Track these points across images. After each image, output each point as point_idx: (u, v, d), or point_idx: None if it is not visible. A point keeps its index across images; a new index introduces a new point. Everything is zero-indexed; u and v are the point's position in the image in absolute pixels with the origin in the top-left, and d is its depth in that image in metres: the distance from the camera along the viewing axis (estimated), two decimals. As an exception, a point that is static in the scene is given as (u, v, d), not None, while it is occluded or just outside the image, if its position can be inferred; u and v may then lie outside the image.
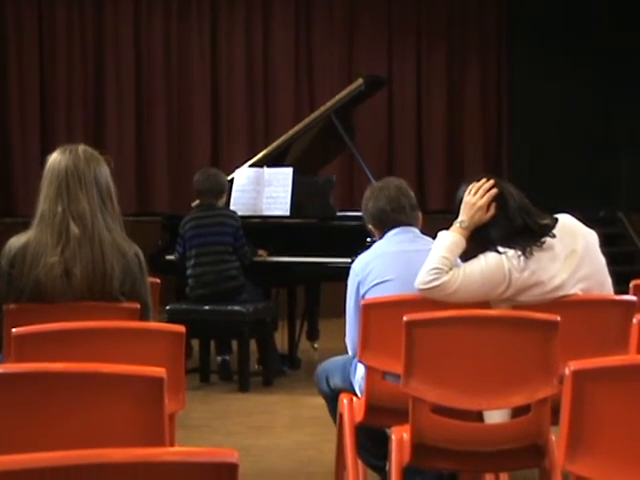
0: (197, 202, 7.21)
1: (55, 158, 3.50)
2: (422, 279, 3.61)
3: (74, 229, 3.40)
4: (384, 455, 3.97)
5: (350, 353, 3.94)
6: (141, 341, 2.99)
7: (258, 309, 6.73)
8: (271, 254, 6.95)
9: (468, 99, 11.80)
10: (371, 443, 4.08)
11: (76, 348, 2.89)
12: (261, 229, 7.01)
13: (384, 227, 4.02)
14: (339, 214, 7.27)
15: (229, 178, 7.21)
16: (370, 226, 4.09)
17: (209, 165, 10.10)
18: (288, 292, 7.50)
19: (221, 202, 6.85)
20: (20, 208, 10.02)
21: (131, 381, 2.24)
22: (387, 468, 3.55)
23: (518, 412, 3.38)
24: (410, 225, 4.03)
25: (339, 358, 4.31)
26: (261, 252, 6.88)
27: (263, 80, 11.23)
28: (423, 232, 4.08)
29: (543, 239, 3.64)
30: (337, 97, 7.44)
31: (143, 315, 3.47)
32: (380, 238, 4.07)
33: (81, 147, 3.53)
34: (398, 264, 3.88)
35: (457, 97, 11.81)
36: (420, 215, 4.11)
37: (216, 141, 11.15)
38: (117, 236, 3.47)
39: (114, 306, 3.42)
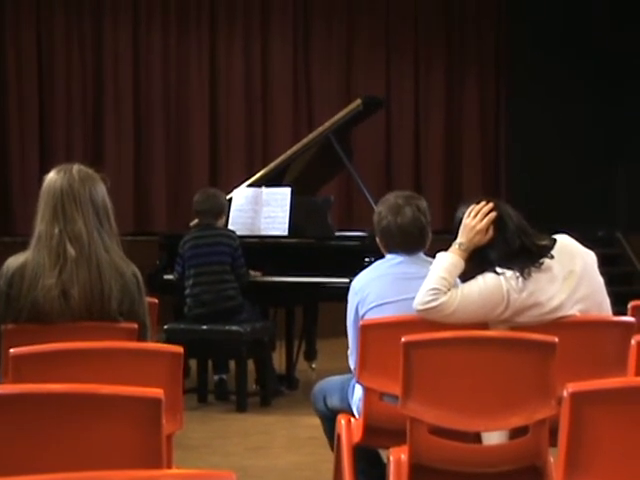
0: (196, 221, 7.23)
1: (51, 179, 3.50)
2: (420, 299, 3.61)
3: (71, 251, 3.40)
4: (378, 476, 3.97)
5: (352, 367, 3.93)
6: (139, 361, 2.99)
7: (256, 329, 6.73)
8: (267, 274, 6.94)
9: (466, 118, 11.83)
10: (365, 464, 4.06)
11: (74, 368, 2.88)
12: (259, 249, 7.01)
13: (389, 248, 4.01)
14: (337, 234, 7.29)
15: (227, 197, 7.21)
16: (377, 239, 4.07)
17: (207, 184, 10.12)
18: (286, 312, 7.49)
19: (220, 222, 6.86)
20: (19, 227, 10.01)
21: (129, 402, 2.24)
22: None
23: (516, 433, 3.37)
24: (416, 251, 4.00)
25: (337, 378, 4.30)
26: (254, 273, 6.88)
27: (261, 100, 11.26)
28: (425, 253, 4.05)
29: (541, 260, 3.65)
30: (335, 117, 7.46)
31: (141, 335, 3.47)
32: (385, 253, 4.04)
33: (76, 167, 3.52)
34: (397, 287, 3.86)
35: (455, 116, 11.83)
36: (430, 236, 4.06)
37: (214, 161, 11.16)
38: (115, 256, 3.47)
39: (112, 326, 3.42)
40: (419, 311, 3.61)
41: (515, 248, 3.66)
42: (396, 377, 3.28)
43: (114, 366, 2.92)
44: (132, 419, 2.21)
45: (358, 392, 3.91)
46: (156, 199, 10.92)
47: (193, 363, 7.04)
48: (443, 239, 3.99)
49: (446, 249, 3.74)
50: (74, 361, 2.92)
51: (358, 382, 3.77)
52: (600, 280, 3.77)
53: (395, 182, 11.20)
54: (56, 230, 3.43)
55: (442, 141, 11.78)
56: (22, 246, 3.53)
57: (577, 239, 3.83)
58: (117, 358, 2.98)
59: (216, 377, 7.09)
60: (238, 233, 6.87)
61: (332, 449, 4.13)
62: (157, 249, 7.50)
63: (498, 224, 3.71)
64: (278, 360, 7.32)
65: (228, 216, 7.11)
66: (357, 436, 3.79)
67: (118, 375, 2.81)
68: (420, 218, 3.96)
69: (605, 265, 3.95)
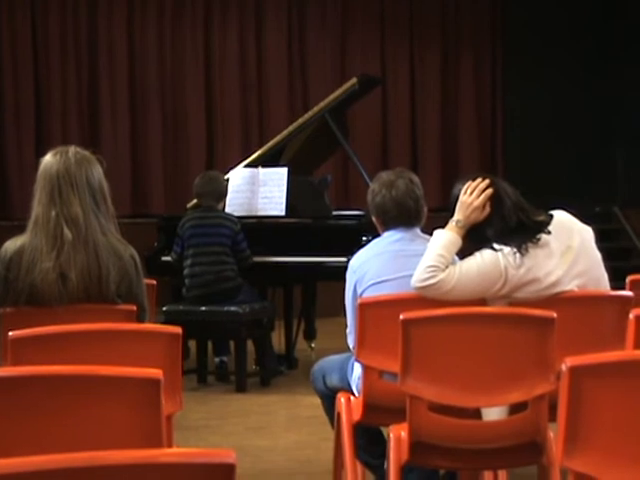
0: (193, 202, 7.22)
1: (47, 162, 3.49)
2: (418, 277, 3.61)
3: (67, 234, 3.40)
4: (380, 454, 3.98)
5: (350, 346, 3.93)
6: (138, 343, 2.99)
7: (255, 309, 6.74)
8: (265, 254, 6.93)
9: (462, 97, 11.81)
10: (367, 442, 4.07)
11: (73, 351, 2.88)
12: (257, 229, 7.00)
13: (386, 225, 4.00)
14: (334, 213, 7.29)
15: (225, 179, 7.21)
16: (373, 218, 4.07)
17: (204, 166, 10.13)
18: (284, 292, 7.50)
19: (221, 205, 6.87)
20: (16, 211, 10.01)
21: (128, 383, 2.24)
22: (385, 467, 3.55)
23: (516, 409, 3.38)
24: (413, 226, 4.00)
25: (336, 357, 4.31)
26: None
27: (257, 81, 11.24)
28: (422, 230, 4.06)
29: (538, 236, 3.64)
30: (331, 97, 7.45)
31: (139, 317, 3.47)
32: (382, 232, 4.04)
33: (72, 149, 3.52)
34: (395, 265, 3.86)
35: (451, 95, 11.81)
36: (426, 211, 4.07)
37: (211, 142, 11.16)
38: (112, 238, 3.47)
39: (110, 308, 3.42)
40: (417, 288, 3.62)
41: (512, 224, 3.65)
42: (395, 355, 3.28)
43: (113, 348, 2.92)
44: (131, 400, 2.21)
45: (357, 370, 3.91)
46: (153, 181, 10.92)
47: (193, 345, 7.05)
48: (440, 217, 3.99)
49: (443, 227, 3.74)
50: (73, 343, 2.93)
51: (357, 360, 3.78)
52: (598, 255, 3.77)
53: (391, 161, 11.20)
54: (53, 213, 3.42)
55: (438, 119, 11.76)
56: (19, 230, 3.53)
57: (574, 215, 3.83)
58: (116, 340, 2.98)
59: (217, 359, 7.10)
60: (235, 214, 6.88)
61: (332, 428, 4.14)
62: (155, 231, 7.50)
63: (495, 200, 3.70)
64: (277, 340, 7.33)
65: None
66: (357, 414, 3.80)
67: (117, 357, 2.81)
68: (414, 189, 3.98)
69: (602, 240, 3.95)
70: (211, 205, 6.78)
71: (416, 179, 4.03)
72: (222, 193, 6.87)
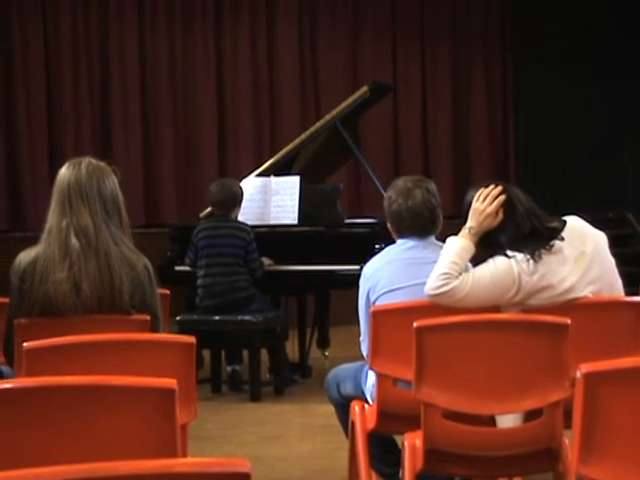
0: (206, 212, 7.22)
1: (61, 174, 3.53)
2: (432, 284, 3.61)
3: (75, 243, 3.41)
4: (394, 462, 3.97)
5: (364, 354, 3.93)
6: (152, 353, 3.00)
7: (268, 318, 6.74)
8: (278, 263, 6.94)
9: (474, 103, 11.80)
10: (381, 450, 4.07)
11: (87, 361, 2.89)
12: (269, 238, 7.00)
13: (400, 233, 4.00)
14: (347, 221, 7.29)
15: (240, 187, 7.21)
16: (388, 225, 4.07)
17: (216, 175, 10.12)
18: (298, 301, 7.49)
19: (235, 213, 6.84)
20: (29, 222, 10.03)
21: (143, 393, 2.24)
22: (400, 475, 3.54)
23: (530, 416, 3.37)
24: (428, 235, 3.99)
25: (350, 365, 4.30)
26: (267, 261, 6.87)
27: (269, 89, 11.24)
28: (435, 237, 4.05)
29: (552, 242, 3.64)
30: (343, 105, 7.45)
31: (153, 327, 3.48)
32: (396, 238, 4.04)
33: (86, 160, 3.54)
34: (408, 272, 3.86)
35: (463, 101, 11.81)
36: (442, 219, 4.06)
37: (223, 151, 11.16)
38: (124, 248, 3.47)
39: (124, 318, 3.42)
40: (431, 296, 3.61)
41: (525, 231, 3.65)
42: (409, 362, 3.28)
43: (127, 358, 2.93)
44: (146, 410, 2.21)
45: (371, 378, 3.91)
46: (165, 191, 10.92)
47: (206, 354, 7.06)
48: (453, 224, 3.99)
49: (456, 234, 3.74)
50: (87, 354, 2.93)
51: (371, 368, 3.78)
52: (611, 261, 3.76)
53: (404, 168, 11.20)
54: (63, 223, 3.45)
55: (450, 126, 11.76)
56: (33, 241, 3.55)
57: (587, 221, 3.82)
58: (130, 350, 2.99)
59: (229, 368, 7.10)
60: (248, 223, 6.87)
61: (347, 436, 4.13)
62: (168, 241, 7.51)
63: (507, 207, 3.70)
64: (291, 349, 7.32)
65: (239, 206, 7.12)
66: (371, 422, 3.80)
67: (131, 367, 2.81)
68: (430, 200, 3.96)
69: (616, 246, 3.94)
70: (224, 214, 6.78)
71: (433, 188, 4.02)
72: (236, 201, 6.84)
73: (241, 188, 6.96)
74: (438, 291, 3.59)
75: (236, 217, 6.90)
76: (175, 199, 10.91)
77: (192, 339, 3.01)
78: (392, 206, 3.98)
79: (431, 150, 11.75)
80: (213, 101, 11.05)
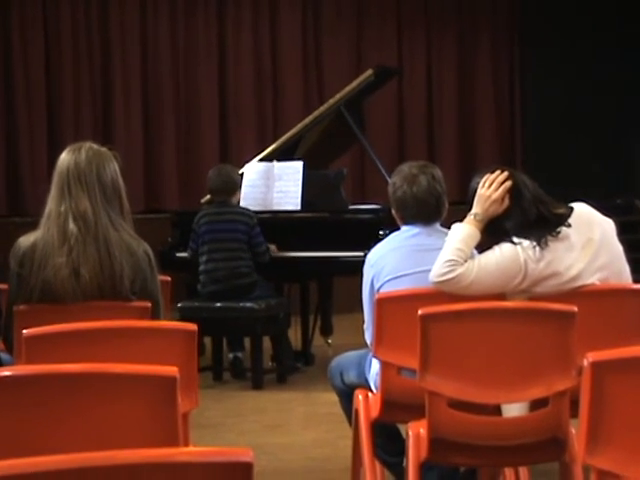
0: (207, 198, 7.22)
1: (61, 159, 3.54)
2: (437, 271, 3.61)
3: (73, 228, 3.41)
4: (398, 451, 3.97)
5: (368, 341, 3.93)
6: (153, 340, 3.00)
7: (271, 305, 6.74)
8: (281, 249, 6.94)
9: (480, 87, 11.77)
10: (385, 439, 4.07)
11: (87, 348, 2.89)
12: (272, 224, 7.00)
13: (405, 220, 3.99)
14: (351, 207, 7.28)
15: (239, 173, 7.21)
16: (393, 211, 4.06)
17: (218, 160, 10.11)
18: (300, 288, 7.50)
19: (235, 199, 6.86)
20: (29, 207, 10.03)
21: (144, 381, 2.24)
22: (404, 465, 3.55)
23: (536, 405, 3.37)
24: (432, 222, 3.98)
25: (353, 353, 4.31)
26: (272, 247, 6.88)
27: (271, 73, 11.22)
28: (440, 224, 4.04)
29: (558, 229, 3.64)
30: (347, 89, 7.44)
31: (154, 314, 3.48)
32: (401, 225, 4.03)
33: (86, 145, 3.54)
34: (413, 259, 3.86)
35: (468, 85, 11.78)
36: (447, 206, 4.05)
37: (225, 136, 11.14)
38: (125, 234, 3.48)
39: (125, 305, 3.43)
40: (436, 283, 3.61)
41: (531, 217, 3.65)
42: (413, 351, 3.28)
43: (128, 345, 2.93)
44: (147, 398, 2.21)
45: (375, 367, 3.91)
46: (167, 176, 10.91)
47: (208, 341, 7.05)
48: (458, 210, 3.98)
49: (461, 220, 3.73)
50: (87, 341, 2.93)
51: (375, 357, 3.78)
52: (619, 248, 3.76)
53: (408, 153, 11.18)
54: (62, 208, 3.45)
55: (455, 111, 11.73)
56: (32, 226, 3.55)
57: (595, 207, 3.82)
58: (131, 337, 2.99)
59: (231, 355, 7.10)
60: (250, 209, 6.86)
61: (350, 425, 4.14)
62: (169, 226, 7.51)
63: (514, 193, 3.69)
64: (294, 336, 7.33)
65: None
66: (375, 411, 3.80)
67: (132, 354, 2.82)
68: (436, 186, 3.95)
69: (624, 233, 3.93)
70: (225, 200, 6.78)
71: (439, 174, 4.00)
72: (235, 187, 6.85)
73: (239, 174, 6.96)
74: (443, 278, 3.59)
75: (237, 202, 6.90)
76: (176, 185, 10.90)
77: (193, 326, 3.01)
78: (397, 192, 3.97)
79: (436, 136, 11.73)
80: (215, 86, 11.03)
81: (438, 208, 3.97)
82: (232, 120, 11.14)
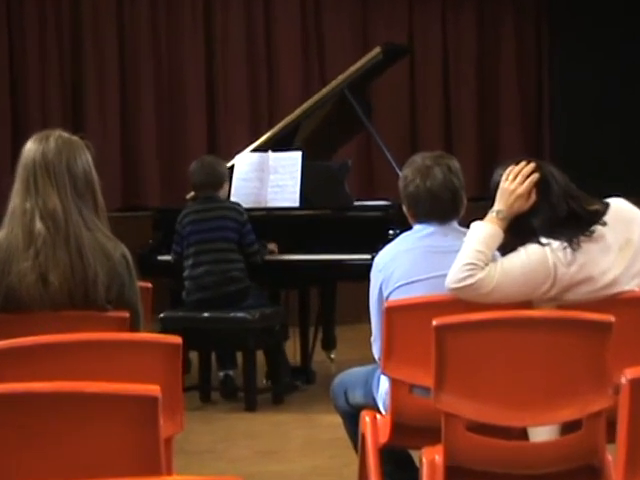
0: (192, 194, 7.23)
1: (26, 148, 3.53)
2: (454, 276, 3.61)
3: (40, 228, 3.41)
4: (409, 481, 3.99)
5: (376, 356, 3.94)
6: (132, 355, 3.00)
7: (265, 315, 6.74)
8: (279, 251, 6.95)
9: (503, 68, 11.75)
10: (395, 467, 4.08)
11: (58, 364, 2.89)
12: (266, 223, 7.01)
13: (418, 217, 4.00)
14: (356, 204, 7.28)
15: (229, 165, 7.21)
16: (404, 208, 4.07)
17: (205, 151, 10.11)
18: (299, 295, 7.50)
19: (222, 193, 6.86)
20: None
21: (121, 401, 2.24)
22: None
23: (568, 428, 3.37)
24: (449, 220, 3.99)
25: (359, 369, 4.32)
26: (272, 247, 6.88)
27: (265, 52, 11.19)
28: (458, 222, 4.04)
29: (592, 228, 3.64)
30: (351, 69, 7.44)
31: (133, 325, 3.48)
32: (413, 224, 4.04)
33: (56, 134, 3.54)
34: (427, 262, 3.86)
35: (490, 66, 11.76)
36: (465, 202, 4.05)
37: (213, 123, 11.13)
38: (100, 235, 3.47)
39: (99, 315, 3.42)
40: (453, 290, 3.61)
41: (561, 214, 3.65)
42: (427, 366, 3.28)
43: (103, 361, 2.93)
44: (126, 420, 2.22)
45: (384, 385, 3.92)
46: (147, 169, 10.90)
47: (194, 357, 7.06)
48: (478, 207, 3.99)
49: (482, 218, 3.73)
50: (57, 356, 2.94)
51: (384, 373, 3.79)
52: (662, 250, 3.76)
53: (422, 142, 11.19)
54: (28, 205, 3.45)
55: (475, 95, 11.72)
56: (-5, 224, 3.55)
57: (635, 203, 3.82)
58: (106, 351, 3.00)
59: (221, 373, 7.11)
60: (244, 206, 6.87)
61: (356, 451, 4.14)
62: (150, 226, 7.52)
63: (541, 187, 3.70)
64: (292, 351, 7.34)
65: (230, 186, 7.11)
66: (384, 435, 3.80)
67: (108, 371, 2.82)
68: (452, 180, 3.95)
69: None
70: (211, 195, 6.78)
71: (456, 166, 4.01)
72: (221, 180, 6.85)
73: (225, 166, 6.97)
74: (461, 284, 3.59)
75: (225, 197, 6.90)
76: (158, 179, 10.89)
77: (178, 339, 3.01)
78: (408, 187, 3.97)
79: (454, 123, 11.72)
80: (201, 69, 11.00)
81: (455, 204, 3.97)
82: (221, 106, 11.13)
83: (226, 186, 6.94)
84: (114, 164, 10.57)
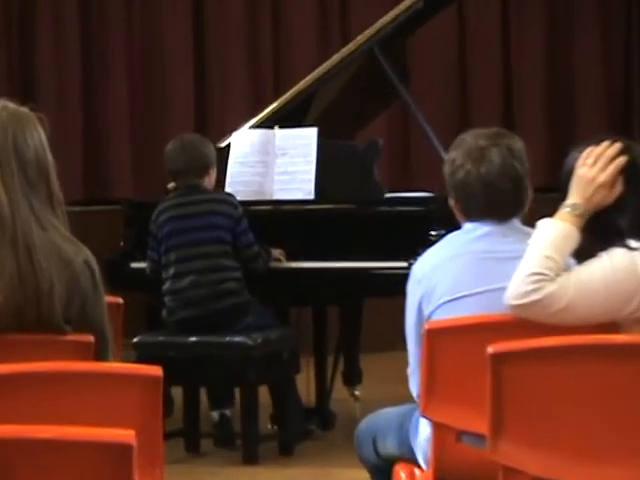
0: (173, 184, 7.21)
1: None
2: (516, 290, 3.61)
3: None
4: None
5: (414, 393, 3.95)
6: (98, 391, 3.01)
7: (270, 340, 6.74)
8: (287, 258, 6.95)
9: (580, 22, 11.74)
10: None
11: (4, 402, 2.90)
12: (272, 221, 7.02)
13: (468, 214, 4.00)
14: (388, 196, 7.28)
15: (223, 145, 7.22)
16: (451, 202, 4.07)
17: (193, 129, 10.11)
18: (315, 314, 7.50)
19: (208, 182, 6.84)
20: None
21: (86, 450, 2.25)
22: None
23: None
24: (509, 217, 4.01)
25: (391, 411, 4.33)
26: (277, 253, 6.88)
27: (270, 3, 11.20)
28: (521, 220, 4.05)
29: (697, 228, 3.65)
30: (382, 21, 7.44)
31: (99, 352, 3.49)
32: (462, 222, 4.04)
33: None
34: (480, 272, 3.87)
35: (563, 18, 11.76)
36: (531, 194, 4.05)
37: (202, 92, 11.13)
38: (56, 236, 3.48)
39: (55, 340, 3.43)
40: (514, 307, 3.62)
41: (656, 211, 3.66)
42: (479, 406, 3.29)
43: (62, 398, 2.94)
44: (92, 473, 2.23)
45: (424, 431, 3.93)
46: (117, 151, 10.90)
47: (178, 394, 7.07)
48: (547, 200, 3.99)
49: (552, 215, 3.74)
50: (3, 392, 2.94)
51: (424, 416, 3.79)
52: None
53: (474, 118, 11.17)
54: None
55: (544, 56, 11.71)
56: None
57: None
58: (65, 387, 3.01)
59: (214, 414, 7.12)
60: (240, 198, 6.87)
61: (387, 516, 4.16)
62: (120, 224, 7.53)
63: (630, 175, 3.71)
64: (305, 386, 7.35)
65: (223, 173, 7.10)
66: (424, 496, 3.82)
67: (67, 411, 2.84)
68: (514, 165, 3.96)
69: None
70: (194, 184, 6.76)
71: (519, 147, 4.01)
72: (207, 163, 6.81)
73: (211, 146, 6.94)
74: (526, 300, 3.60)
75: (212, 187, 6.88)
76: (131, 163, 10.89)
77: (158, 370, 3.02)
78: (456, 174, 3.98)
79: (516, 90, 11.70)
80: (186, 15, 11.02)
81: (517, 197, 3.98)
82: (213, 72, 11.12)
83: (213, 173, 6.89)
84: (74, 144, 10.58)
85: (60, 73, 10.78)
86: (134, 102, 10.95)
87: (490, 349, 3.25)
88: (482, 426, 3.32)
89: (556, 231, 3.69)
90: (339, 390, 7.53)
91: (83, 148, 10.76)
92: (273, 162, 7.18)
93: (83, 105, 10.83)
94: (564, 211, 3.73)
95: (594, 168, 3.71)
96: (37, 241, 3.44)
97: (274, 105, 7.63)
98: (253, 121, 7.56)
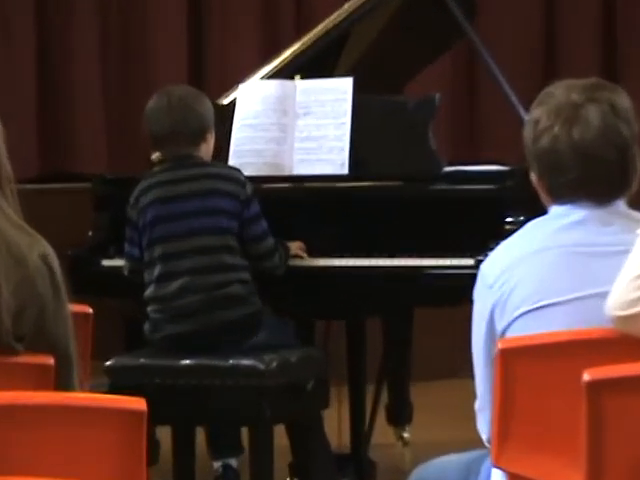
0: (158, 154, 7.18)
1: None
2: (621, 298, 3.62)
3: None
4: None
5: (483, 436, 3.96)
6: (60, 430, 3.03)
7: (289, 364, 6.74)
8: (312, 253, 6.95)
9: None
10: None
11: None
12: (292, 204, 7.03)
13: (556, 194, 4.00)
14: (449, 169, 7.26)
15: (226, 102, 7.23)
16: (532, 176, 4.07)
17: (185, 80, 10.14)
18: (349, 330, 7.52)
19: (205, 151, 6.82)
20: None
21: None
22: None
23: None
24: (612, 198, 4.01)
25: (453, 459, 4.35)
26: (297, 247, 6.88)
27: None
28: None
29: None
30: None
31: (61, 378, 3.52)
32: (548, 205, 4.04)
33: None
34: (571, 272, 3.89)
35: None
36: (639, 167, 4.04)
37: (197, 33, 11.17)
38: (4, 223, 3.52)
39: (4, 362, 3.46)
40: (618, 319, 3.63)
41: None
42: (571, 452, 3.30)
43: (11, 440, 2.96)
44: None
45: (498, 484, 3.95)
46: (83, 114, 10.95)
47: (165, 436, 7.08)
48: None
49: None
50: None
51: (496, 465, 3.80)
52: None
53: (562, 66, 11.22)
54: None
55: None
56: None
57: None
58: (16, 424, 3.02)
59: (217, 464, 7.15)
60: (249, 173, 6.87)
61: None
62: (89, 208, 7.54)
63: None
64: (335, 426, 7.37)
65: (227, 141, 7.11)
66: None
67: (20, 457, 2.85)
68: (618, 128, 3.96)
69: None
70: (186, 155, 6.74)
71: (624, 104, 4.00)
72: (203, 127, 6.73)
73: (208, 104, 6.86)
74: (633, 310, 3.61)
75: (209, 158, 6.86)
76: (103, 128, 10.95)
77: (140, 403, 3.04)
78: (541, 140, 3.99)
79: (619, 31, 11.74)
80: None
81: (623, 170, 3.98)
82: (214, 8, 11.17)
83: (211, 139, 6.86)
84: (27, 106, 10.63)
85: (9, 31, 10.83)
86: (105, 48, 11.00)
87: (586, 376, 3.26)
88: (572, 476, 3.33)
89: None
90: (382, 431, 7.55)
91: (37, 107, 10.81)
92: (293, 124, 7.18)
93: (37, 54, 10.87)
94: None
95: None
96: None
97: (292, 49, 7.64)
98: (266, 69, 7.58)
